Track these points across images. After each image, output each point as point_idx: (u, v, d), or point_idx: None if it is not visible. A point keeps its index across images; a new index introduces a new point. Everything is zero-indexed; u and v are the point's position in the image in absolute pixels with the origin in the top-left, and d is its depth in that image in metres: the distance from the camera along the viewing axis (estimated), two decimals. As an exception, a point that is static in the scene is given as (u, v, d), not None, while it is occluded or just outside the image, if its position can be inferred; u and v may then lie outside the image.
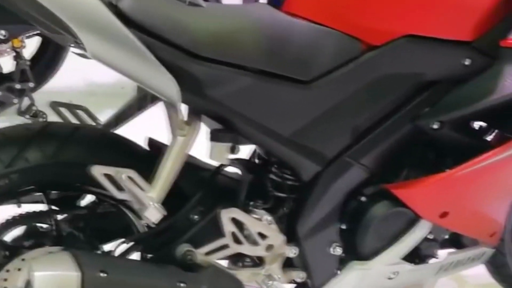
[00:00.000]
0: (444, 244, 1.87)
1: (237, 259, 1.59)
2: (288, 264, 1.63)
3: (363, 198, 1.65)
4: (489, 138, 1.79)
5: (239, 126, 1.46)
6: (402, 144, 1.64)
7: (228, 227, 1.47)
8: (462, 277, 2.31)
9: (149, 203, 1.35)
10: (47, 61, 3.52)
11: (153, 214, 1.35)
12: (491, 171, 1.66)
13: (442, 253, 1.81)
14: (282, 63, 1.45)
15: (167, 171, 1.39)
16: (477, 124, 1.78)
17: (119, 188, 1.35)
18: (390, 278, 1.70)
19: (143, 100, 1.57)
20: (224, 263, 1.58)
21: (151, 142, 1.55)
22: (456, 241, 1.88)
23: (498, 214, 1.80)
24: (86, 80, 3.71)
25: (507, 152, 1.66)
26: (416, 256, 1.74)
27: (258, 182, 1.58)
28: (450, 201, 1.67)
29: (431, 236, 1.73)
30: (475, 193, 1.70)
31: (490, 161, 1.64)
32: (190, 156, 1.53)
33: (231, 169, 1.61)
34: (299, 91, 1.47)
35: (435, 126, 1.61)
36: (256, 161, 1.69)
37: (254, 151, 1.70)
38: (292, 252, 1.59)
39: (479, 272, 2.13)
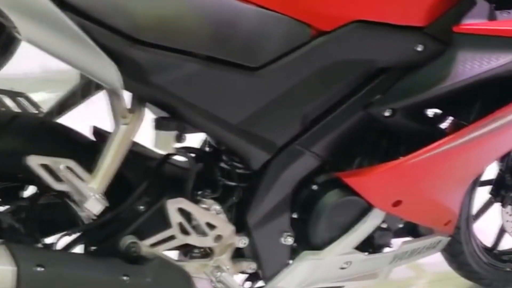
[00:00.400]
0: (400, 233, 1.84)
1: (185, 250, 1.54)
2: (238, 254, 1.59)
3: (314, 187, 1.62)
4: (444, 125, 1.75)
5: (185, 114, 1.42)
6: (355, 132, 1.61)
7: (175, 218, 1.43)
8: (419, 266, 2.30)
9: (90, 194, 1.30)
10: (-1, 47, 3.43)
11: (94, 205, 1.30)
12: (444, 158, 1.64)
13: (398, 242, 1.78)
14: (230, 49, 1.40)
15: (109, 161, 1.34)
16: (431, 112, 1.74)
17: (58, 179, 1.30)
18: (342, 268, 1.68)
19: (87, 87, 1.52)
20: (175, 254, 1.54)
21: (96, 130, 1.50)
22: (411, 230, 1.86)
23: (453, 202, 1.78)
24: (43, 66, 3.62)
25: (461, 139, 1.63)
26: (369, 246, 1.72)
27: (207, 171, 1.54)
28: (403, 189, 1.65)
29: (384, 225, 1.71)
30: (428, 181, 1.67)
31: (443, 149, 1.62)
32: (137, 145, 1.49)
33: (182, 158, 1.56)
34: (247, 78, 1.43)
35: (387, 114, 1.58)
36: (207, 149, 1.64)
37: (205, 139, 1.66)
38: (242, 242, 1.56)
39: (437, 260, 2.11)
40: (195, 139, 1.59)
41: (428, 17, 1.55)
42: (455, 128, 1.70)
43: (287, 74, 1.47)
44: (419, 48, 1.55)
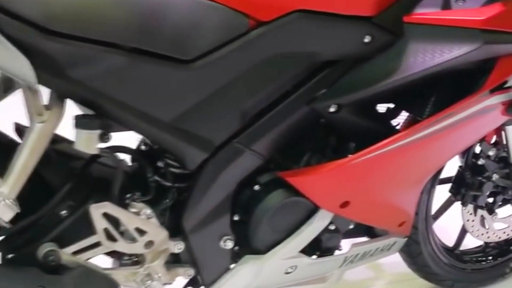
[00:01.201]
0: (354, 233, 1.75)
1: (116, 257, 1.44)
2: (174, 260, 1.49)
3: (256, 187, 1.52)
4: (398, 120, 1.65)
5: (109, 111, 1.30)
6: (299, 129, 1.52)
7: (100, 223, 1.33)
8: (379, 266, 2.21)
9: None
10: None
11: (4, 211, 1.19)
12: (395, 157, 1.54)
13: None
14: (158, 41, 1.30)
15: (23, 162, 1.23)
16: (384, 106, 1.64)
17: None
18: (288, 273, 1.58)
19: (8, 81, 1.40)
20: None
21: (18, 127, 1.38)
22: (366, 230, 1.77)
23: (407, 202, 1.68)
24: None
25: (414, 136, 1.54)
26: (316, 249, 1.61)
27: (139, 172, 1.43)
28: (350, 190, 1.55)
29: (332, 227, 1.61)
30: (378, 181, 1.58)
31: (394, 146, 1.52)
32: (64, 143, 1.37)
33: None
34: (179, 72, 1.32)
35: (332, 109, 1.49)
36: (143, 148, 1.53)
37: (142, 138, 1.55)
38: (177, 247, 1.46)
39: (397, 260, 2.02)
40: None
41: (376, 7, 1.45)
42: (409, 124, 1.59)
43: (223, 68, 1.36)
44: (367, 39, 1.45)
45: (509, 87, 1.59)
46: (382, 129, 1.57)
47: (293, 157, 1.57)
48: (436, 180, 1.87)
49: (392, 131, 1.57)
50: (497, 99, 1.59)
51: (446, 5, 1.52)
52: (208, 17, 1.33)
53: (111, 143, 1.34)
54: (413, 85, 1.50)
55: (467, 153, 1.88)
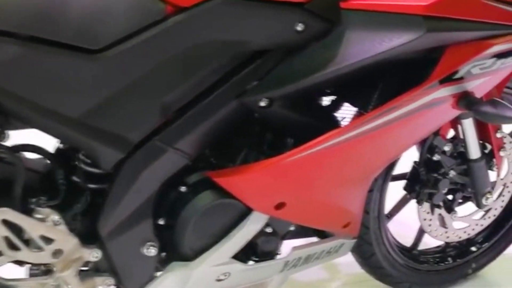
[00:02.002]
0: (303, 234, 1.62)
1: (26, 266, 1.31)
2: (92, 269, 1.35)
3: (182, 188, 1.40)
4: (345, 114, 1.53)
5: (6, 106, 1.17)
6: (230, 124, 1.39)
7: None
8: (334, 266, 2.10)
9: None
10: None
11: None
12: (335, 153, 1.42)
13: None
14: (60, 28, 1.18)
15: None
16: (327, 99, 1.51)
17: None
18: (219, 280, 1.46)
19: None
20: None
21: None
22: (316, 231, 1.64)
23: (350, 202, 1.56)
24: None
25: (355, 130, 1.41)
26: (252, 253, 1.49)
27: (49, 173, 1.30)
28: (285, 190, 1.43)
29: (269, 230, 1.49)
30: (316, 180, 1.45)
31: (332, 142, 1.40)
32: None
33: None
34: (87, 63, 1.20)
35: (263, 104, 1.36)
36: (61, 146, 1.40)
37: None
38: (93, 255, 1.33)
39: (352, 260, 1.89)
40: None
41: None
42: (354, 118, 1.46)
43: (138, 58, 1.23)
44: (299, 27, 1.33)
45: (460, 78, 1.45)
46: (322, 124, 1.44)
47: (227, 154, 1.45)
48: (388, 176, 1.75)
49: (334, 125, 1.43)
50: (447, 91, 1.46)
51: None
52: (120, 2, 1.20)
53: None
54: (351, 77, 1.38)
55: (422, 148, 1.75)
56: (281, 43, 1.34)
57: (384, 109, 1.41)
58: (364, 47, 1.35)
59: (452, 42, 1.40)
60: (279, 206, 1.44)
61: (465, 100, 1.49)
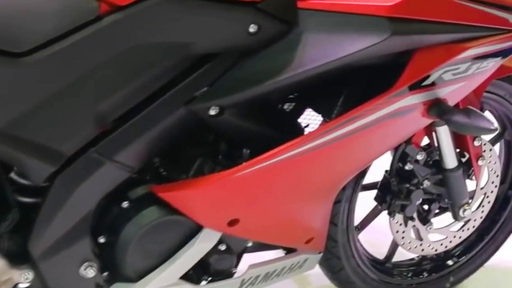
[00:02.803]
0: (268, 247, 1.50)
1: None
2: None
3: (125, 204, 1.27)
4: (303, 122, 1.40)
5: None
6: (178, 134, 1.27)
7: None
8: (304, 278, 1.98)
9: None
10: None
11: None
12: (294, 165, 1.30)
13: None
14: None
15: None
16: (288, 105, 1.39)
17: None
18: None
19: None
20: None
21: None
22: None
23: (312, 216, 1.44)
24: None
25: (317, 140, 1.29)
26: (205, 273, 1.37)
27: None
28: (239, 205, 1.31)
29: (223, 247, 1.37)
30: (273, 194, 1.34)
31: (290, 154, 1.28)
32: None
33: None
34: (8, 68, 1.08)
35: (213, 112, 1.24)
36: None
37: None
38: (24, 277, 1.21)
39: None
40: None
41: None
42: (314, 126, 1.34)
43: (68, 62, 1.11)
44: (252, 28, 1.20)
45: (430, 85, 1.33)
46: (281, 133, 1.32)
47: (178, 165, 1.33)
48: (358, 185, 1.63)
49: (294, 135, 1.31)
50: (416, 99, 1.35)
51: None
52: (47, 1, 1.07)
53: None
54: (310, 83, 1.27)
55: (393, 157, 1.62)
56: (232, 46, 1.22)
57: (348, 117, 1.30)
58: (324, 50, 1.23)
59: (421, 46, 1.28)
60: (232, 222, 1.32)
61: (437, 108, 1.37)
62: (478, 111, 1.35)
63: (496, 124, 1.35)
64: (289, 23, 1.24)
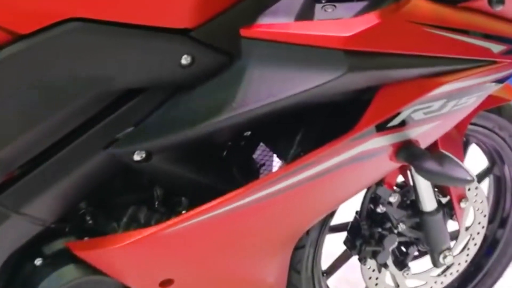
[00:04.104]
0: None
1: None
2: None
3: (39, 261, 1.08)
4: (255, 166, 1.22)
5: None
6: (99, 180, 1.09)
7: None
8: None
9: None
10: None
11: None
12: (238, 217, 1.13)
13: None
14: None
15: None
16: (233, 147, 1.21)
17: None
18: None
19: None
20: None
21: None
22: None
23: (265, 271, 1.26)
24: None
25: (266, 189, 1.10)
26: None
27: None
28: (172, 264, 1.13)
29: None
30: (214, 251, 1.15)
31: (234, 205, 1.09)
32: None
33: None
34: None
35: (138, 157, 1.04)
36: None
37: None
38: None
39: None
40: None
41: (197, 15, 1.02)
42: (264, 174, 1.16)
43: None
44: (184, 60, 1.02)
45: (398, 125, 1.14)
46: (225, 181, 1.13)
47: (106, 215, 1.13)
48: (325, 228, 1.45)
49: (240, 183, 1.12)
50: (382, 141, 1.15)
51: (306, 12, 1.06)
52: None
53: None
54: (255, 124, 1.06)
55: (363, 197, 1.43)
56: (161, 80, 1.03)
57: (303, 163, 1.12)
58: (270, 87, 1.04)
59: (385, 82, 1.08)
60: (165, 283, 1.14)
61: (405, 152, 1.18)
62: (453, 157, 1.16)
63: (472, 174, 1.15)
64: (230, 54, 1.05)
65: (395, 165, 1.23)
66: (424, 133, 1.20)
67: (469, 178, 1.13)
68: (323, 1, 1.13)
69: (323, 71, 1.02)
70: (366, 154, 1.16)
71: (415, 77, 1.10)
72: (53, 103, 1.00)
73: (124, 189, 1.17)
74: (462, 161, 1.40)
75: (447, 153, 1.17)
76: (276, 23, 1.05)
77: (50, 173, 1.04)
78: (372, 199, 1.42)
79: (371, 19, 1.03)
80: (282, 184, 1.12)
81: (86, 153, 1.05)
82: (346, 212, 1.54)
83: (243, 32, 1.04)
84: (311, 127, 1.17)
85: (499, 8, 0.98)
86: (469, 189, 1.54)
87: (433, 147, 1.33)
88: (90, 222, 1.16)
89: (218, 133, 1.07)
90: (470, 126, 1.48)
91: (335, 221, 1.50)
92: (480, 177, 1.63)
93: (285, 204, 1.16)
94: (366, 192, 1.42)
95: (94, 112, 1.04)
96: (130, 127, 1.06)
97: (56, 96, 1.00)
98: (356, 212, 1.48)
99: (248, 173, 1.22)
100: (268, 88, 1.04)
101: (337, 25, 1.03)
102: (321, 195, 1.20)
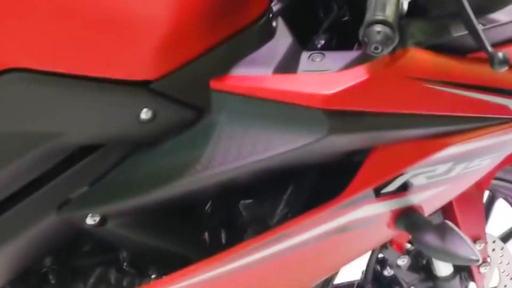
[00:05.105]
0: None
1: None
2: None
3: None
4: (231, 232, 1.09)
5: None
6: (53, 244, 0.95)
7: None
8: None
9: None
10: None
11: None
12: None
13: None
14: None
15: None
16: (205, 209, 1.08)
17: None
18: None
19: None
20: None
21: None
22: None
23: None
24: None
25: (242, 259, 0.98)
26: None
27: None
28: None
29: None
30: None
31: (207, 275, 0.96)
32: None
33: None
34: None
35: (91, 222, 0.92)
36: None
37: None
38: None
39: None
40: None
41: (158, 65, 0.88)
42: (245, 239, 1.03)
43: None
44: (144, 115, 0.90)
45: (395, 192, 0.98)
46: (196, 248, 1.00)
47: (70, 275, 1.02)
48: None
49: (215, 250, 0.99)
50: (377, 208, 1.00)
51: (289, 62, 0.93)
52: None
53: None
54: (227, 186, 0.93)
55: (368, 258, 1.28)
56: (118, 136, 0.92)
57: (284, 231, 1.00)
58: (241, 148, 0.91)
59: (378, 143, 0.93)
60: None
61: (404, 221, 1.02)
62: (459, 231, 1.00)
63: (478, 254, 0.99)
64: (198, 108, 0.92)
65: (395, 232, 1.08)
66: (428, 199, 1.05)
67: (473, 257, 0.97)
68: (318, 43, 0.99)
69: (300, 133, 0.89)
70: (359, 223, 1.01)
71: (414, 138, 0.95)
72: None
73: (89, 248, 1.05)
74: (483, 220, 1.24)
75: (452, 226, 1.01)
76: (251, 75, 0.91)
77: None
78: (379, 260, 1.27)
79: (359, 74, 0.88)
80: (257, 255, 0.99)
81: (37, 213, 0.94)
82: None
83: (213, 84, 0.91)
84: (301, 185, 1.03)
85: (503, 70, 0.82)
86: (493, 250, 1.37)
87: (446, 207, 1.17)
88: (53, 282, 1.04)
89: (183, 196, 0.94)
90: (495, 181, 1.31)
91: (339, 279, 1.35)
92: (507, 236, 1.46)
93: (270, 273, 1.02)
94: (372, 253, 1.26)
95: (46, 169, 0.93)
96: (85, 186, 0.94)
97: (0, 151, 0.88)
98: (362, 272, 1.32)
99: (228, 235, 1.08)
100: (238, 149, 0.91)
101: (319, 80, 0.89)
102: (309, 264, 1.06)
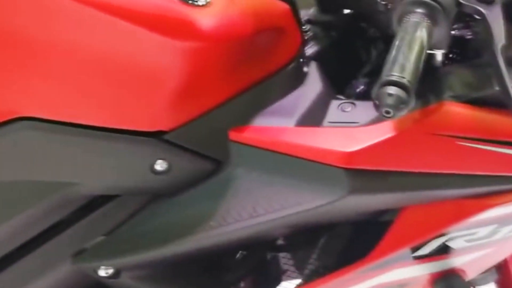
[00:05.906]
0: None
1: None
2: None
3: None
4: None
5: None
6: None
7: None
8: None
9: None
10: None
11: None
12: None
13: None
14: None
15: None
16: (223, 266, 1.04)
17: None
18: None
19: None
20: None
21: None
22: None
23: None
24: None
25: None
26: None
27: None
28: None
29: None
30: None
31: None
32: None
33: None
34: None
35: (103, 274, 0.89)
36: None
37: None
38: None
39: None
40: None
41: (173, 116, 0.84)
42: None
43: None
44: (159, 166, 0.86)
45: (431, 255, 0.91)
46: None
47: None
48: None
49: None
50: (410, 272, 0.92)
51: (317, 112, 0.87)
52: None
53: None
54: (246, 243, 0.88)
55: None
56: (132, 187, 0.88)
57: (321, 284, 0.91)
58: (256, 204, 0.86)
59: (408, 204, 0.86)
60: None
61: (444, 284, 0.94)
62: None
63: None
64: (217, 160, 0.87)
65: (434, 296, 0.99)
66: (471, 262, 0.96)
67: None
68: (355, 88, 0.93)
69: (318, 191, 0.83)
70: (392, 285, 0.93)
71: (449, 199, 0.87)
72: (10, 207, 0.87)
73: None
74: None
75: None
76: (272, 126, 0.86)
77: (9, 281, 0.91)
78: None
79: (386, 130, 0.82)
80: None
81: (51, 261, 0.92)
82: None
83: (232, 135, 0.87)
84: (334, 239, 0.97)
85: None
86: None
87: (501, 263, 1.08)
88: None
89: (200, 250, 0.90)
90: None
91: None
92: None
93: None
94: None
95: (61, 217, 0.90)
96: (101, 236, 0.91)
97: (12, 199, 0.86)
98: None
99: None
100: (254, 205, 0.86)
101: (343, 135, 0.83)
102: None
